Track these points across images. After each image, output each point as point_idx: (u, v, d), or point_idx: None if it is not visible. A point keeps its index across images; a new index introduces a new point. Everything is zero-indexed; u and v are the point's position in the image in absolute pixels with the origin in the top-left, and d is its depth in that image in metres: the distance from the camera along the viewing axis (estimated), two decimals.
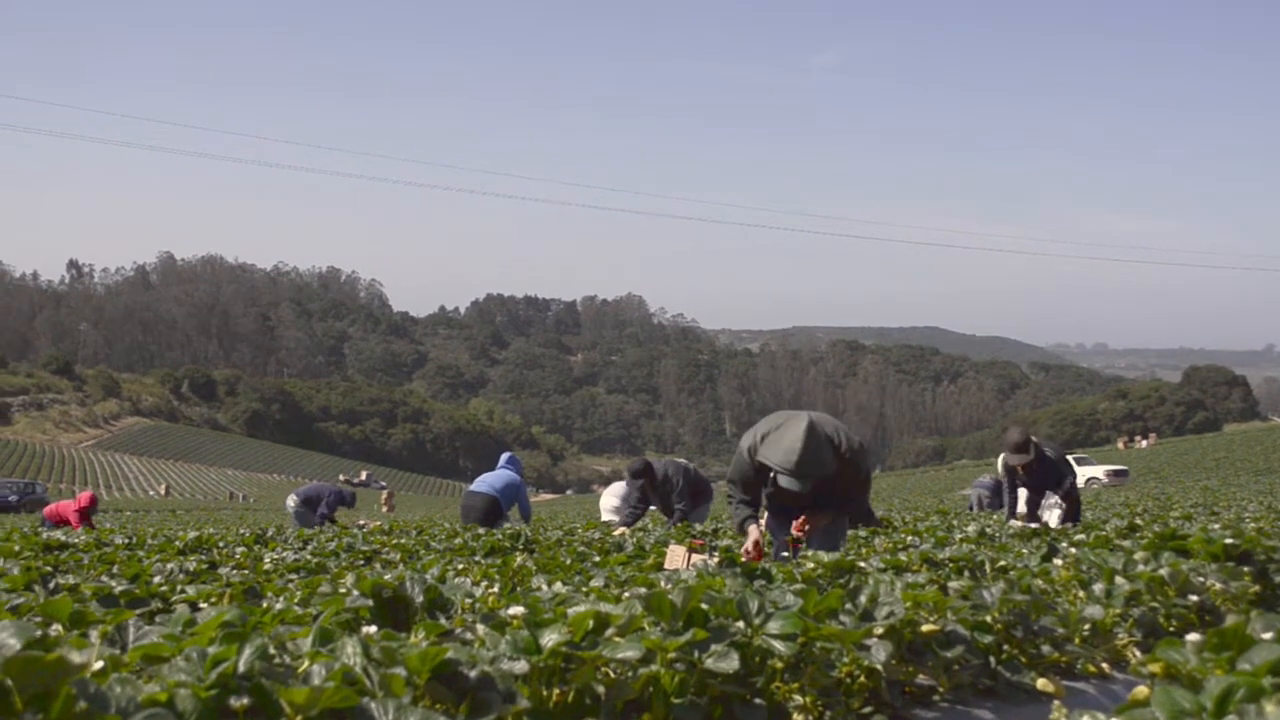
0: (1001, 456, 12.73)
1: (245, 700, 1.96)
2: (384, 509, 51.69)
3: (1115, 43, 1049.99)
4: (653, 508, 14.53)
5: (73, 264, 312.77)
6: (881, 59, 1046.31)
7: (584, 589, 4.22)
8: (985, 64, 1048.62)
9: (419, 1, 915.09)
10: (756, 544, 7.22)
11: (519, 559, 6.69)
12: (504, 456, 15.67)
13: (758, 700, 2.72)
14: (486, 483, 14.86)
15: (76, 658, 1.72)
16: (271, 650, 2.14)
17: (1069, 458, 13.46)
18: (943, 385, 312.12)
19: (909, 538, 9.17)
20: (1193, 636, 2.76)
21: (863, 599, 3.26)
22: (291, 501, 19.42)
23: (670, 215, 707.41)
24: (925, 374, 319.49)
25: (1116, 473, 57.50)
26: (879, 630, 3.08)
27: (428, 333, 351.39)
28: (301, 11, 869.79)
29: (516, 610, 2.84)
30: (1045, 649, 3.76)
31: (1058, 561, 5.23)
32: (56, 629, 3.07)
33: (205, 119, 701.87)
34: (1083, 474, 57.75)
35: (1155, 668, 2.82)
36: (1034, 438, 12.41)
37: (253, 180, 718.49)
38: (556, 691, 2.44)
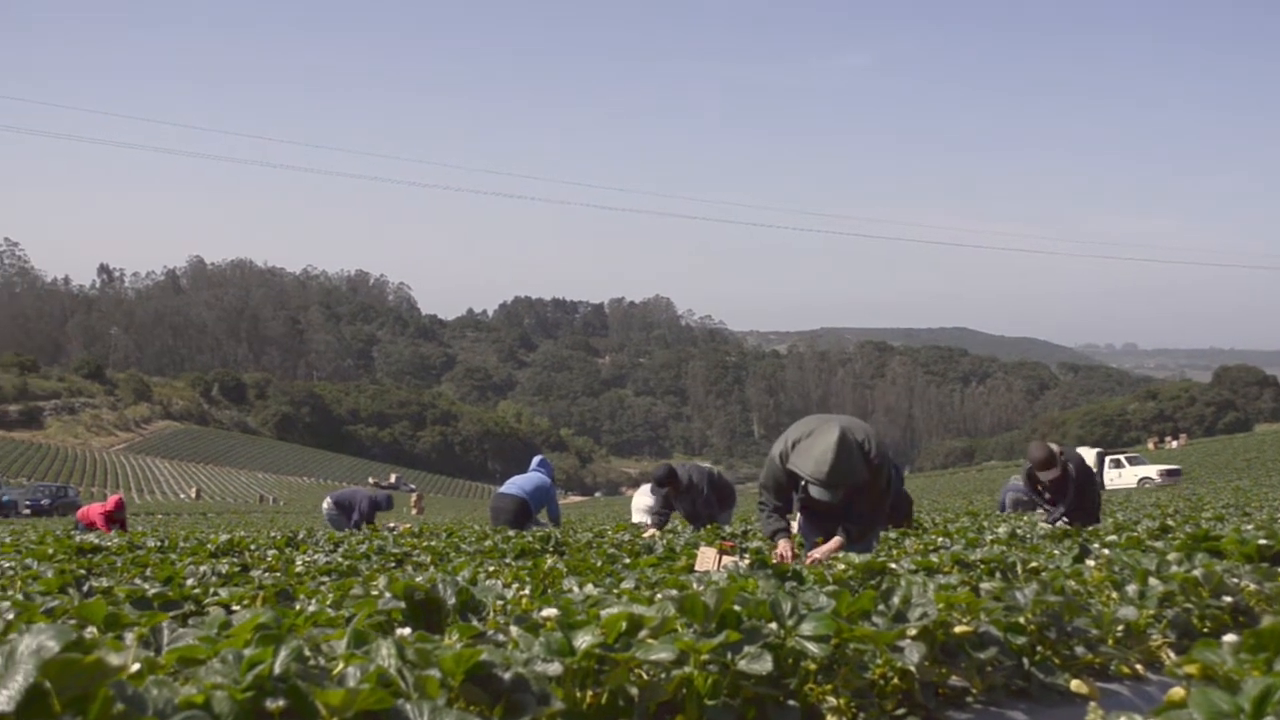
0: (1028, 468, 12.63)
1: (281, 702, 1.96)
2: (413, 511, 51.82)
3: (1149, 42, 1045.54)
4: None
5: (104, 268, 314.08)
6: (907, 59, 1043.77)
7: (615, 591, 4.21)
8: (1012, 64, 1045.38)
9: (448, 4, 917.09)
10: (784, 557, 7.20)
11: (549, 561, 6.69)
12: (535, 460, 15.68)
13: (791, 702, 2.71)
14: (516, 485, 14.87)
15: (114, 660, 1.73)
16: (306, 652, 2.15)
17: (1089, 462, 13.28)
18: (971, 386, 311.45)
19: (939, 539, 9.15)
20: (1229, 638, 2.74)
21: (895, 600, 3.24)
22: (326, 505, 19.49)
23: (696, 217, 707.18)
24: (954, 375, 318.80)
25: (1169, 472, 56.89)
26: (912, 632, 3.07)
27: (456, 335, 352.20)
28: (332, 14, 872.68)
29: (550, 612, 2.84)
30: (1079, 650, 3.74)
31: (1090, 563, 5.21)
32: (91, 631, 3.08)
33: (234, 124, 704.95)
34: (1135, 473, 57.23)
35: (1192, 669, 2.81)
36: (1056, 448, 12.31)
37: (282, 184, 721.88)
38: (590, 693, 2.44)
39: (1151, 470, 57.33)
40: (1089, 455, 64.36)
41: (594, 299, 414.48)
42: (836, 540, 7.31)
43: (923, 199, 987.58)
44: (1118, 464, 59.44)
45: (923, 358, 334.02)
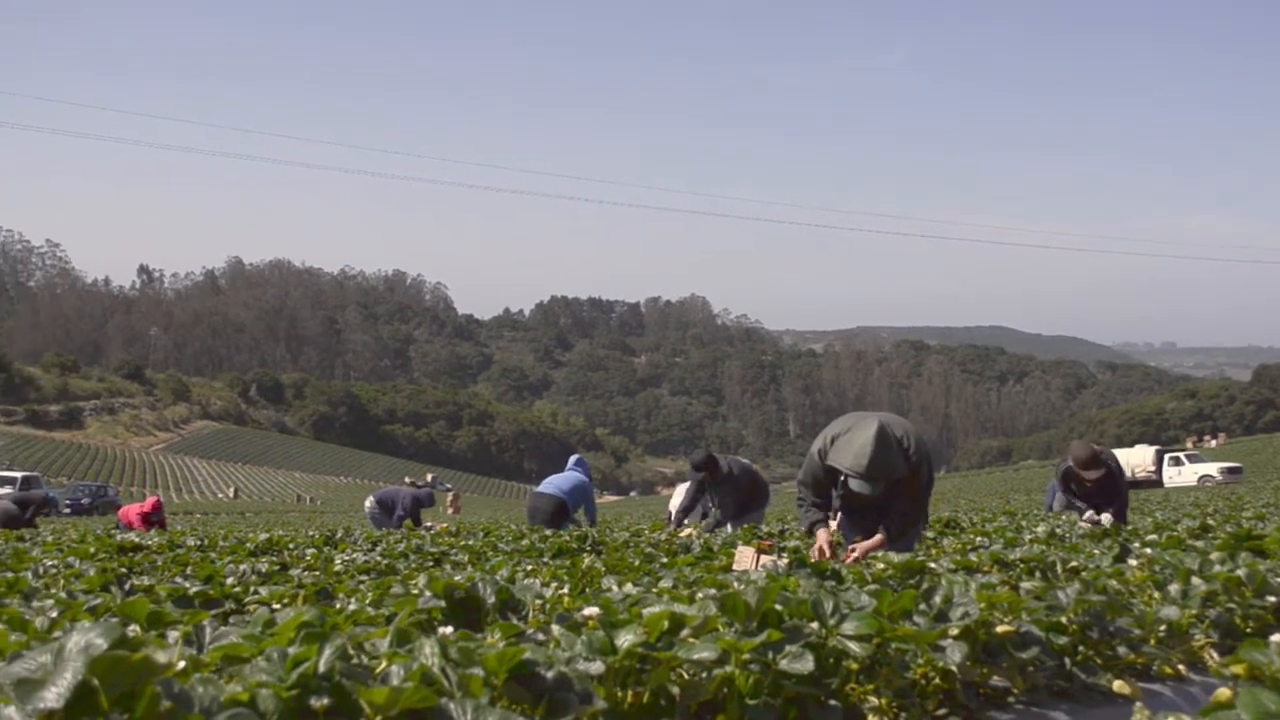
0: (1065, 467, 12.50)
1: (325, 700, 1.97)
2: (450, 511, 51.92)
3: (1187, 38, 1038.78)
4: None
5: (143, 269, 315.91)
6: (942, 56, 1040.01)
7: (654, 590, 4.21)
8: (1049, 59, 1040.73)
9: (483, 3, 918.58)
10: (822, 549, 7.20)
11: (587, 560, 6.70)
12: (572, 459, 15.65)
13: (833, 702, 2.71)
14: (553, 485, 14.87)
15: (161, 657, 1.74)
16: (349, 651, 2.15)
17: (1148, 461, 13.20)
18: (1008, 385, 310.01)
19: (977, 538, 9.12)
20: (1277, 637, 2.72)
21: (937, 600, 3.24)
22: (369, 503, 19.56)
23: (733, 216, 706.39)
24: (990, 374, 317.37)
25: (1230, 470, 56.26)
26: (954, 631, 3.06)
27: (492, 335, 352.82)
28: (369, 14, 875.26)
29: (592, 611, 2.84)
30: (1121, 650, 3.72)
31: (1132, 562, 5.18)
32: (134, 629, 3.10)
33: (273, 125, 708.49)
34: (1195, 471, 56.62)
35: (1238, 669, 2.79)
36: (1097, 448, 12.19)
37: (319, 184, 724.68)
38: (631, 693, 2.44)
39: (1212, 468, 56.61)
40: (1148, 454, 63.65)
41: (630, 298, 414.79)
42: (877, 538, 7.30)
43: (959, 197, 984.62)
44: (1177, 461, 58.93)
45: (959, 356, 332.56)
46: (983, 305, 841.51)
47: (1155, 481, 58.06)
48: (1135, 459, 61.24)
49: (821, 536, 7.37)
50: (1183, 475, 56.58)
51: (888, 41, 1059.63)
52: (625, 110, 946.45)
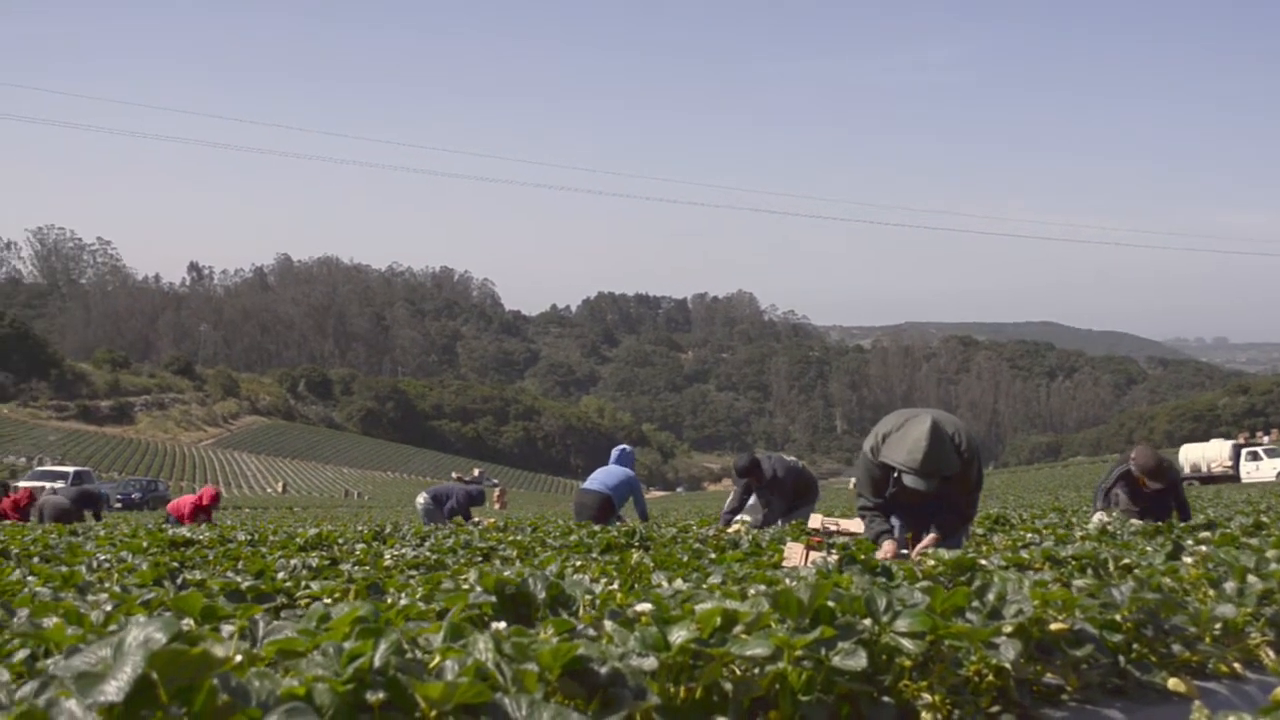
0: (1124, 470, 12.37)
1: (381, 695, 1.98)
2: (496, 506, 52.09)
3: (1235, 33, 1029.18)
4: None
5: (193, 266, 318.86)
6: (989, 53, 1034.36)
7: (704, 586, 4.21)
8: (1096, 57, 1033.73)
9: (532, 2, 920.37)
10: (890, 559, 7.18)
11: (636, 556, 6.70)
12: (616, 451, 15.57)
13: (886, 699, 2.70)
14: (599, 480, 14.84)
15: (219, 651, 1.75)
16: (404, 646, 2.16)
17: (1224, 456, 12.98)
18: (1058, 381, 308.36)
19: (1028, 535, 9.07)
20: None
21: (990, 597, 3.22)
22: (423, 499, 19.61)
23: (779, 211, 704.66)
24: (1040, 370, 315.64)
25: None
26: (1007, 628, 3.04)
27: (539, 331, 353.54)
28: (413, 11, 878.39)
29: (644, 607, 2.84)
30: (1175, 648, 3.69)
31: (1187, 560, 5.14)
32: (188, 624, 3.12)
33: (320, 122, 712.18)
34: (1274, 466, 55.39)
35: None
36: (1164, 457, 12.08)
37: (367, 181, 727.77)
38: (684, 688, 2.44)
39: None
40: (1225, 448, 62.61)
41: (676, 294, 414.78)
42: (932, 536, 7.28)
43: (1008, 192, 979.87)
44: (1255, 456, 57.86)
45: (1008, 352, 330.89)
46: (1031, 301, 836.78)
47: (1232, 476, 57.03)
48: (1211, 454, 60.30)
49: (888, 548, 7.33)
50: (1260, 470, 55.35)
51: (933, 38, 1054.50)
52: (671, 107, 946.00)
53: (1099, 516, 11.80)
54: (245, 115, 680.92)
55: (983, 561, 5.22)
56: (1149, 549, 6.10)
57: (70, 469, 57.58)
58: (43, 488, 29.19)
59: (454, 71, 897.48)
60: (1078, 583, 4.10)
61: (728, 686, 2.48)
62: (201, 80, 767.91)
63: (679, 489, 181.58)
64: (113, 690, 1.68)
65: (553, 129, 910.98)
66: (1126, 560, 5.42)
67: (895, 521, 7.81)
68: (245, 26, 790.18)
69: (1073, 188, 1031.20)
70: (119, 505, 54.10)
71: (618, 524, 13.12)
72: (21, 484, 35.96)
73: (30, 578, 5.54)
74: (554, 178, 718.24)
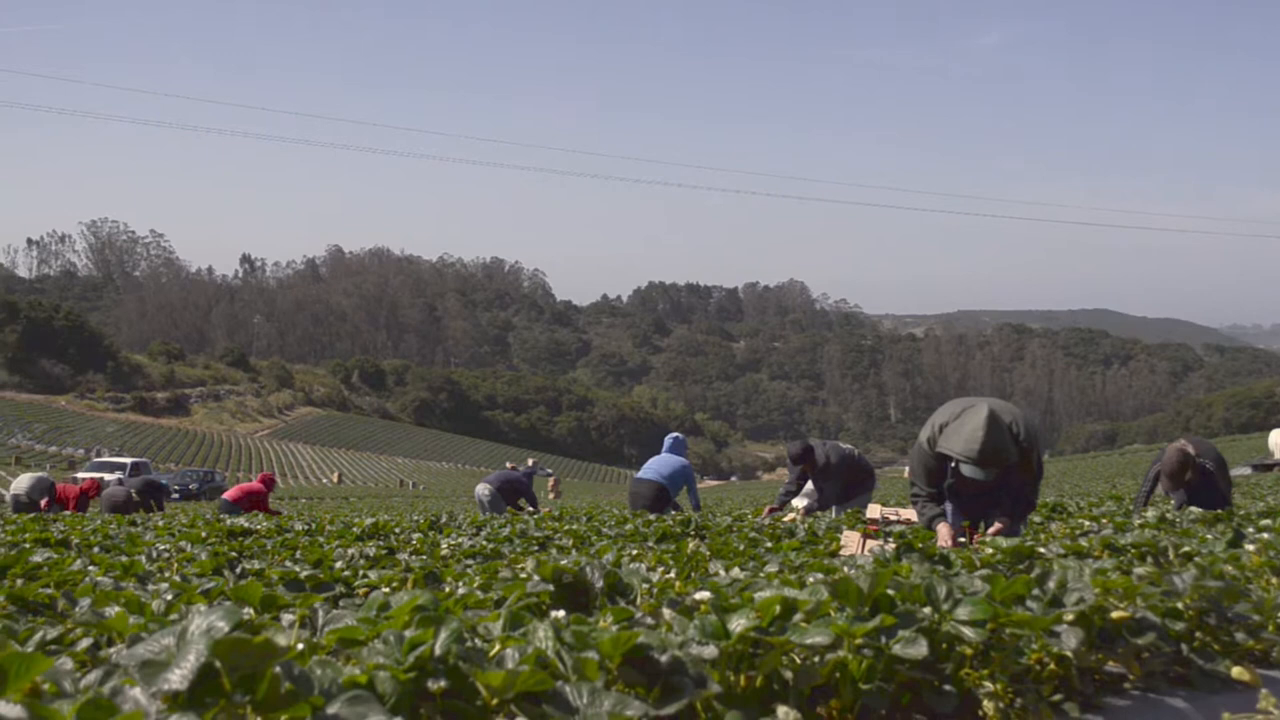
0: (1155, 470, 12.35)
1: (442, 683, 1.98)
2: (551, 495, 52.23)
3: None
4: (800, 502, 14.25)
5: (246, 258, 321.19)
6: (1041, 38, 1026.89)
7: (762, 574, 4.20)
8: (1152, 37, 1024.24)
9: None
10: (945, 543, 7.16)
11: (692, 545, 6.69)
12: (669, 439, 15.51)
13: (947, 687, 2.68)
14: (653, 470, 14.83)
15: (282, 640, 1.76)
16: (464, 634, 2.17)
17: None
18: (1113, 368, 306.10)
19: (1086, 523, 9.01)
20: None
21: (1051, 585, 3.19)
22: (484, 490, 19.66)
23: (832, 200, 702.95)
24: (1095, 357, 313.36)
25: None
26: (1069, 617, 3.01)
27: (591, 321, 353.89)
28: (459, 6, 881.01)
29: (703, 595, 2.83)
30: (1239, 636, 3.65)
31: (1249, 547, 5.08)
32: (248, 613, 3.14)
33: (369, 114, 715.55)
34: None
35: None
36: (1191, 450, 12.01)
37: (418, 173, 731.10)
38: (744, 677, 2.44)
39: None
40: None
41: (728, 284, 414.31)
42: (998, 525, 7.24)
43: (1062, 177, 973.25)
44: None
45: (1063, 340, 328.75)
46: (1086, 288, 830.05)
47: None
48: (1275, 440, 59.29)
49: (943, 532, 7.31)
50: None
51: (983, 22, 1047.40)
52: (717, 96, 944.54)
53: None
54: (294, 108, 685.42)
55: (1041, 549, 5.19)
56: (1209, 536, 6.04)
57: (128, 460, 58.15)
58: (101, 479, 29.39)
59: (502, 63, 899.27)
60: (1138, 571, 4.06)
61: (788, 675, 2.47)
62: (252, 74, 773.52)
63: (733, 478, 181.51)
64: (177, 678, 1.69)
65: (601, 119, 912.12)
66: (1187, 548, 5.37)
67: (948, 506, 7.78)
68: (296, 20, 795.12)
69: (1128, 173, 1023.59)
70: (176, 496, 54.58)
71: (673, 513, 13.11)
72: (83, 475, 36.23)
73: (91, 567, 5.59)
74: (603, 167, 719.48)
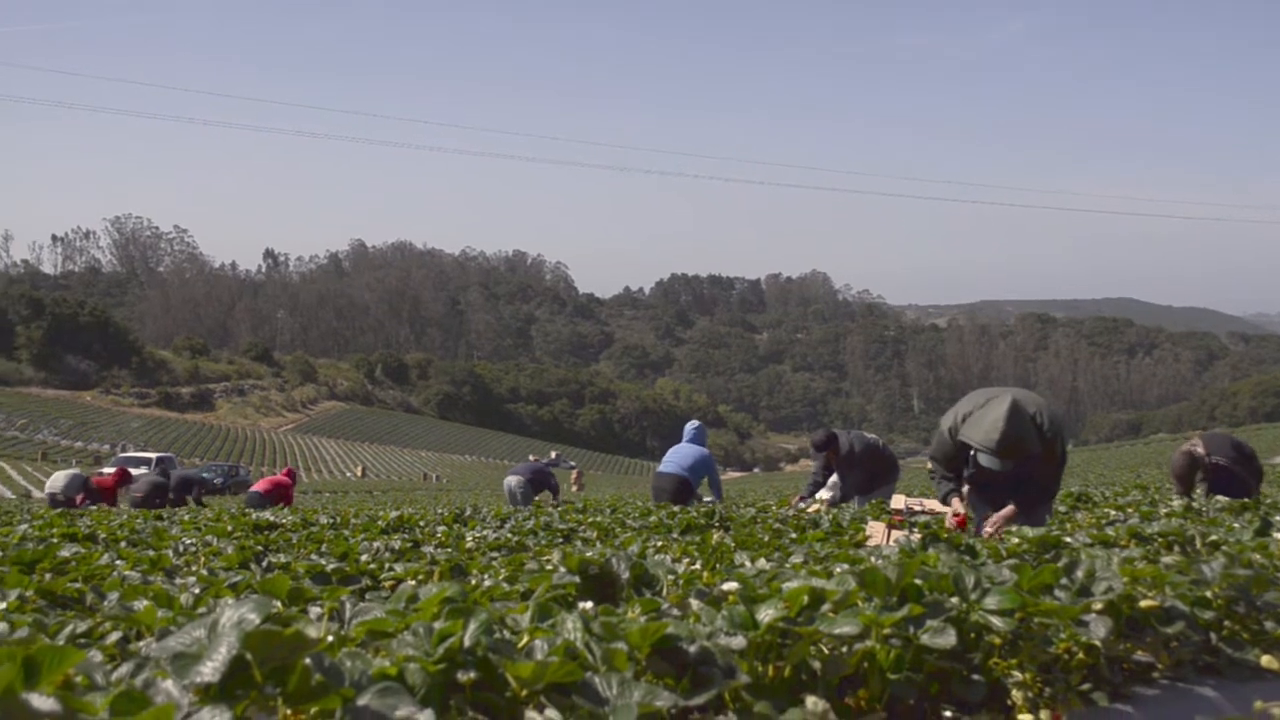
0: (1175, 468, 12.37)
1: (472, 674, 1.99)
2: (574, 488, 52.26)
3: None
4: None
5: (269, 253, 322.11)
6: (1063, 25, 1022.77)
7: (789, 565, 4.20)
8: (1173, 26, 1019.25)
9: None
10: (959, 515, 7.17)
11: (717, 536, 6.70)
12: (689, 428, 15.44)
13: (975, 676, 2.68)
14: (674, 462, 14.80)
15: (312, 632, 1.76)
16: (493, 625, 2.17)
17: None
18: (1137, 357, 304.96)
19: (1111, 512, 8.99)
20: None
21: (1079, 574, 3.18)
22: (515, 481, 19.69)
23: (854, 190, 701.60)
24: (1119, 346, 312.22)
25: None
26: (1097, 606, 3.00)
27: (613, 314, 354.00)
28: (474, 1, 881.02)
29: (731, 586, 2.83)
30: (1268, 625, 3.64)
31: (1277, 535, 5.06)
32: (275, 606, 3.15)
33: (391, 108, 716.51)
34: None
35: None
36: (1200, 450, 12.01)
37: (440, 167, 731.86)
38: (772, 667, 2.43)
39: None
40: None
41: (750, 275, 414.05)
42: (1009, 509, 7.24)
43: (1085, 166, 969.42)
44: None
45: (1086, 329, 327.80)
46: (1109, 277, 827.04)
47: None
48: None
49: (956, 504, 7.37)
50: None
51: (1007, 10, 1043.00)
52: (738, 86, 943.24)
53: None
54: (316, 103, 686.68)
55: (1067, 539, 5.18)
56: (1236, 525, 6.02)
57: (153, 455, 58.30)
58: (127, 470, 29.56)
59: (523, 57, 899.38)
60: (1165, 560, 4.05)
61: (816, 665, 2.47)
62: (273, 68, 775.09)
63: (756, 470, 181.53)
64: (209, 670, 1.70)
65: (622, 111, 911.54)
66: (1214, 537, 5.35)
67: (969, 493, 7.78)
68: (316, 15, 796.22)
69: (1151, 161, 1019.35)
70: (219, 481, 54.80)
71: (697, 504, 13.10)
72: (108, 470, 36.36)
73: (119, 562, 5.62)
74: (624, 160, 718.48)
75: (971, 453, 7.18)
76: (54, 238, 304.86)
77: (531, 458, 26.55)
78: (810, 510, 11.23)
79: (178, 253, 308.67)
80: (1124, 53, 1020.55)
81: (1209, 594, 3.52)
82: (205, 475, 38.91)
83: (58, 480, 24.02)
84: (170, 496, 23.45)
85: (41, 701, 1.55)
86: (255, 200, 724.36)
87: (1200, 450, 12.18)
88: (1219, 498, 10.65)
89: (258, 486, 21.77)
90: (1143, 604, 3.22)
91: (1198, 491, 12.33)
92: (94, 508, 19.44)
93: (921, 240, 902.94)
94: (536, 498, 19.23)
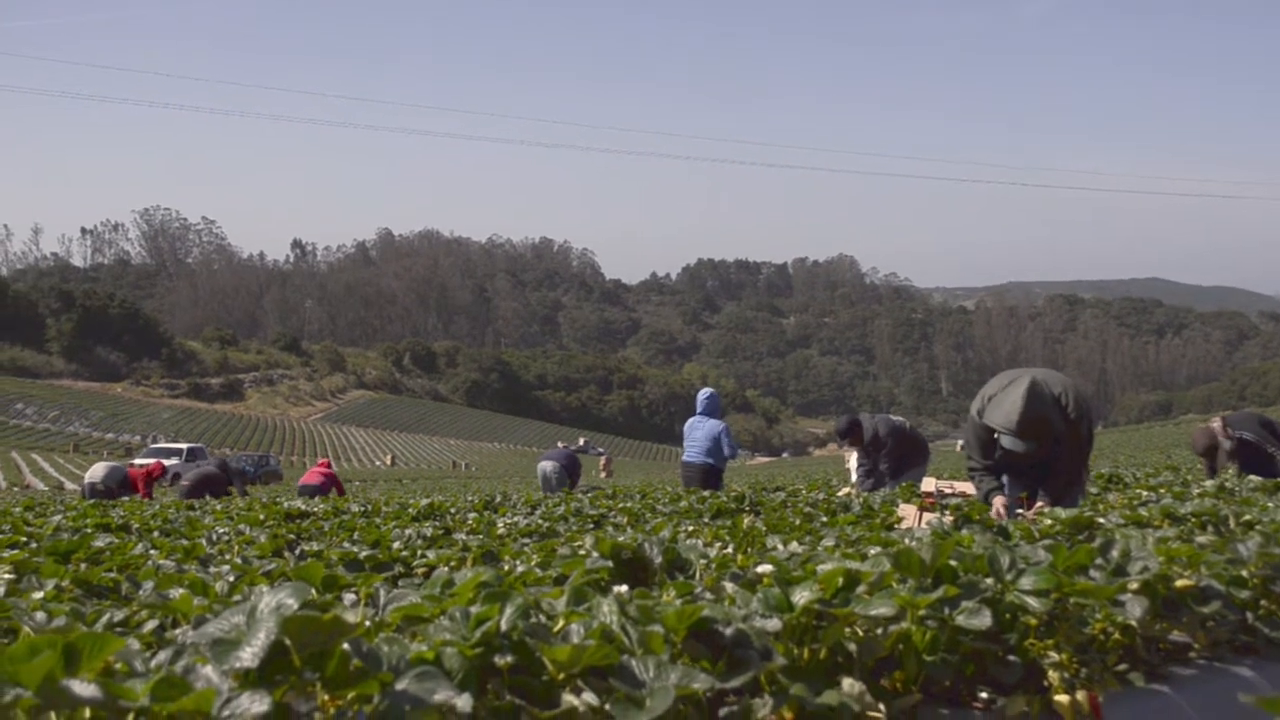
0: (1196, 445, 12.38)
1: (509, 658, 1.99)
2: (602, 474, 52.29)
3: None
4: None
5: (297, 243, 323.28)
6: (1094, 3, 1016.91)
7: (819, 548, 4.19)
8: (1203, 3, 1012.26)
9: None
10: (1000, 514, 7.13)
11: (747, 520, 6.69)
12: (701, 399, 15.28)
13: (1011, 657, 2.67)
14: (696, 450, 14.76)
15: (351, 617, 1.77)
16: (529, 610, 2.18)
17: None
18: (1166, 338, 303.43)
19: (1144, 493, 8.95)
20: None
21: (1114, 554, 3.17)
22: (549, 466, 19.73)
23: (881, 173, 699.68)
24: (1148, 327, 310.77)
25: None
26: (1133, 586, 2.99)
27: (640, 299, 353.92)
28: None
29: (766, 568, 2.83)
30: None
31: None
32: (311, 592, 3.16)
33: (417, 96, 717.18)
34: None
35: None
36: (1217, 426, 12.04)
37: (466, 155, 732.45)
38: (808, 649, 2.43)
39: None
40: None
41: (777, 259, 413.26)
42: (1040, 504, 7.18)
43: (1112, 145, 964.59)
44: None
45: (1115, 310, 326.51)
46: (1138, 257, 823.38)
47: None
48: None
49: (998, 503, 7.27)
50: None
51: None
52: (765, 70, 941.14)
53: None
54: (343, 93, 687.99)
55: (1100, 520, 5.16)
56: (1270, 505, 5.99)
57: (184, 446, 58.63)
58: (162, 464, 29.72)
59: (549, 44, 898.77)
60: (1200, 539, 4.04)
61: (851, 647, 2.47)
62: (301, 59, 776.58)
63: (784, 454, 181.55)
64: (248, 656, 1.70)
65: (647, 97, 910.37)
66: (1248, 516, 5.32)
67: (1005, 480, 7.73)
68: (344, 3, 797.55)
69: (1179, 140, 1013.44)
70: (251, 470, 55.08)
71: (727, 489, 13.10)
72: (140, 460, 36.53)
73: (153, 551, 5.65)
74: (649, 144, 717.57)
75: (996, 435, 7.15)
76: (83, 230, 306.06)
77: (560, 444, 26.68)
78: (841, 494, 11.21)
79: (206, 244, 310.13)
80: (1154, 30, 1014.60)
81: (1245, 573, 3.51)
82: (247, 469, 39.17)
83: (97, 471, 24.22)
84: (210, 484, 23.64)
85: (83, 688, 1.55)
86: (283, 191, 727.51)
87: (1218, 425, 12.17)
88: (1252, 477, 10.61)
89: (309, 478, 21.90)
90: (1178, 584, 3.21)
91: (1230, 470, 12.29)
92: (126, 499, 19.54)
93: (949, 222, 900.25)
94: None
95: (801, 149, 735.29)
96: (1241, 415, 12.61)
